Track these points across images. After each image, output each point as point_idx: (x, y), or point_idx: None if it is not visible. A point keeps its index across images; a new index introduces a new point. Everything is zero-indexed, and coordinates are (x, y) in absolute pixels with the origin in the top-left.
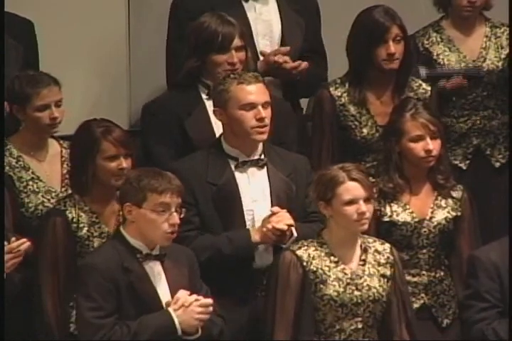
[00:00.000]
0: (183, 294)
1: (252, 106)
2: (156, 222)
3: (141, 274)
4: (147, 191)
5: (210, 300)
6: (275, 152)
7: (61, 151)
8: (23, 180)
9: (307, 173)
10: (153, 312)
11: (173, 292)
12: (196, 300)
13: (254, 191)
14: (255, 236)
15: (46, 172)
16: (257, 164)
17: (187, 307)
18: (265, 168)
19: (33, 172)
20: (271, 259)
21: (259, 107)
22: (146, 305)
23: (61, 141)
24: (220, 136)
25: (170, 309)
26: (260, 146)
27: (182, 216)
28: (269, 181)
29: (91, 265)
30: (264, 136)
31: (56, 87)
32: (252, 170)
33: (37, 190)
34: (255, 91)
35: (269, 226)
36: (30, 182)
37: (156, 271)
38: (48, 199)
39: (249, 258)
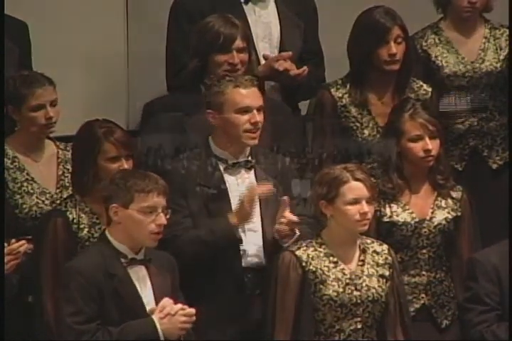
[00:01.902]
0: (168, 303)
1: (247, 109)
2: (142, 222)
3: (125, 279)
4: (134, 192)
5: (193, 310)
6: (262, 154)
7: (57, 152)
8: (17, 181)
9: (292, 175)
10: (137, 317)
11: (157, 297)
12: (182, 309)
13: (243, 192)
14: (234, 220)
15: (41, 173)
16: (246, 166)
17: (172, 316)
18: (253, 169)
19: (28, 174)
20: (261, 258)
21: (254, 111)
22: (129, 310)
23: (57, 142)
24: (207, 137)
25: (154, 317)
26: (248, 148)
27: (168, 216)
28: (257, 183)
29: (74, 269)
30: (256, 141)
31: (51, 87)
32: (241, 171)
33: (31, 191)
34: (251, 95)
35: (283, 220)
36: (25, 184)
37: (141, 276)
38: (43, 201)
39: (232, 241)
